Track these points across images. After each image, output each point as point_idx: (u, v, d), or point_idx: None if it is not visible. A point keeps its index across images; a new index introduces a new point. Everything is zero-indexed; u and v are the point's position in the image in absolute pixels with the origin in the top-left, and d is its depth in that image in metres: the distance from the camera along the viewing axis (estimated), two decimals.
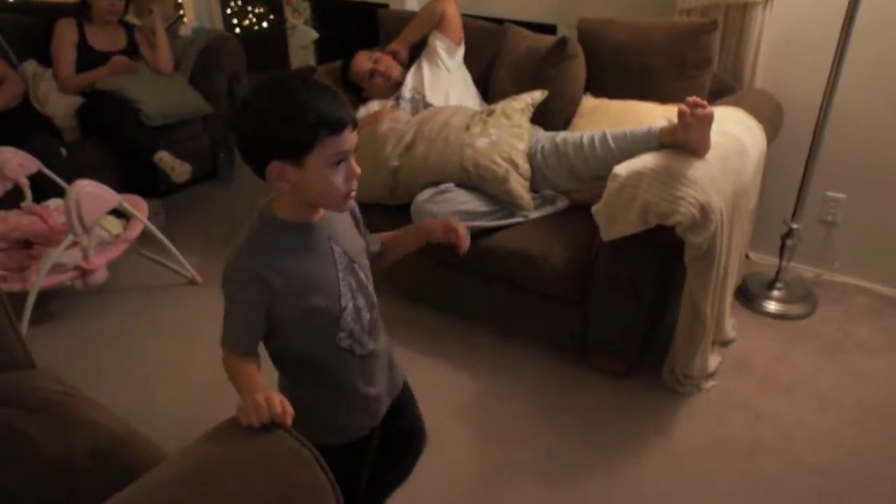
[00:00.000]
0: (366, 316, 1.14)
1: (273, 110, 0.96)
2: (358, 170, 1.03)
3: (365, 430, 1.23)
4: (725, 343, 2.11)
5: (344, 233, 1.13)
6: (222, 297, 1.03)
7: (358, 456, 1.25)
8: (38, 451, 1.22)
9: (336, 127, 0.96)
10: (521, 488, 1.66)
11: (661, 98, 2.15)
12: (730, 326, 2.11)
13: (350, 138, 0.99)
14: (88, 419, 1.32)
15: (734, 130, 1.89)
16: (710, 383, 1.95)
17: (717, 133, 1.82)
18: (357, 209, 1.21)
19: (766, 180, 2.30)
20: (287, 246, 1.05)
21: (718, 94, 2.24)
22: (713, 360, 1.97)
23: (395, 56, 2.61)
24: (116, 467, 1.23)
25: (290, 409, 0.90)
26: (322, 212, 1.08)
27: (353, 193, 1.04)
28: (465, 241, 1.30)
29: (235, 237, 1.07)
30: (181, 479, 0.83)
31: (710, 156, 1.71)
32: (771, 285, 2.35)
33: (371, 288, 1.17)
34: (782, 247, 2.29)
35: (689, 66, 2.15)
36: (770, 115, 2.15)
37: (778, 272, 2.34)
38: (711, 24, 2.12)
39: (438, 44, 2.52)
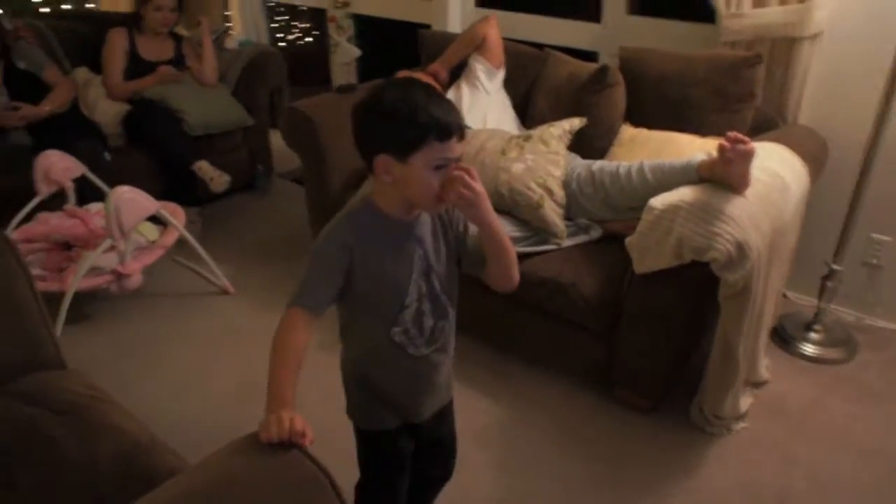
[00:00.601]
0: (428, 322, 1.18)
1: (392, 106, 1.03)
2: None
3: (394, 424, 1.27)
4: (758, 384, 2.04)
5: (432, 237, 1.17)
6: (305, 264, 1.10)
7: (385, 446, 1.30)
8: (61, 454, 1.24)
9: (444, 133, 1.02)
10: None
11: (702, 130, 2.12)
12: (764, 367, 2.05)
13: (456, 147, 1.04)
14: (113, 424, 1.33)
15: (776, 167, 1.85)
16: (740, 425, 1.89)
17: (757, 169, 1.78)
18: (461, 217, 1.18)
19: (807, 219, 2.25)
20: (377, 232, 1.12)
21: (761, 129, 2.20)
22: (745, 402, 1.92)
23: (435, 77, 2.62)
24: (138, 474, 1.24)
25: (310, 434, 0.90)
26: (416, 214, 1.13)
27: (447, 199, 1.06)
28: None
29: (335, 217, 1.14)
30: (197, 492, 0.83)
31: (749, 192, 1.68)
32: (809, 327, 2.28)
33: (445, 300, 1.20)
34: (822, 288, 2.23)
35: (731, 99, 2.12)
36: (814, 153, 2.10)
37: (817, 314, 2.28)
38: (756, 58, 2.09)
39: (478, 66, 2.53)
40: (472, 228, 1.19)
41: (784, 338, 2.27)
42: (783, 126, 2.25)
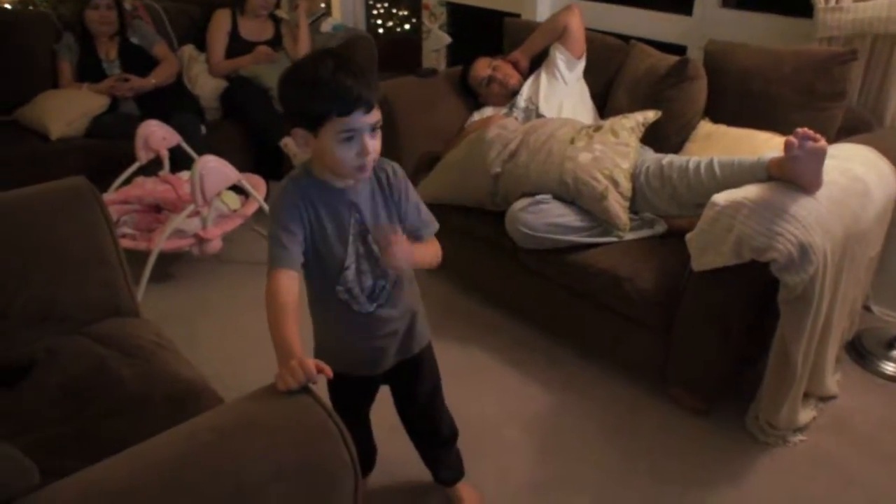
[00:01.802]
0: (367, 281, 1.25)
1: (296, 82, 1.09)
2: (371, 147, 1.10)
3: (362, 373, 1.36)
4: (825, 398, 1.94)
5: (367, 203, 1.22)
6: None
7: (353, 390, 1.40)
8: (123, 390, 1.36)
9: (344, 108, 1.05)
10: None
11: (784, 129, 2.00)
12: (833, 381, 1.94)
13: (360, 119, 1.07)
14: (171, 370, 1.45)
15: (858, 170, 1.74)
16: (797, 437, 1.81)
17: (836, 171, 1.70)
18: (404, 186, 1.26)
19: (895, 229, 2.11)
20: (315, 196, 1.18)
21: (853, 130, 2.07)
22: (805, 414, 1.83)
23: (515, 65, 2.63)
24: (186, 416, 1.34)
25: (326, 369, 0.97)
26: (349, 181, 1.19)
27: (367, 166, 1.13)
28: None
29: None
30: (216, 428, 0.90)
31: (821, 193, 1.60)
32: (891, 344, 2.14)
33: (386, 263, 1.22)
34: None
35: (818, 97, 2.01)
36: None
37: None
38: (849, 54, 1.97)
39: (559, 56, 2.52)
40: (412, 197, 1.27)
41: (861, 353, 2.14)
42: (878, 129, 2.11)
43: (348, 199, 1.20)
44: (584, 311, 2.05)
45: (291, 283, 1.13)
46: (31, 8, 3.22)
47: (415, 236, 1.29)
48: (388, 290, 1.28)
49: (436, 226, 1.34)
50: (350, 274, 1.22)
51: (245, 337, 2.24)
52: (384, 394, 1.50)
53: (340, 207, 1.20)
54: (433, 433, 1.55)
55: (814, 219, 1.53)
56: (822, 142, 1.51)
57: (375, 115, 1.10)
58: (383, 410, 1.52)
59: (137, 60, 3.08)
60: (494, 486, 1.68)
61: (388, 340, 1.34)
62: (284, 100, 1.13)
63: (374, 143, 1.12)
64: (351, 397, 1.42)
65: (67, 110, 2.83)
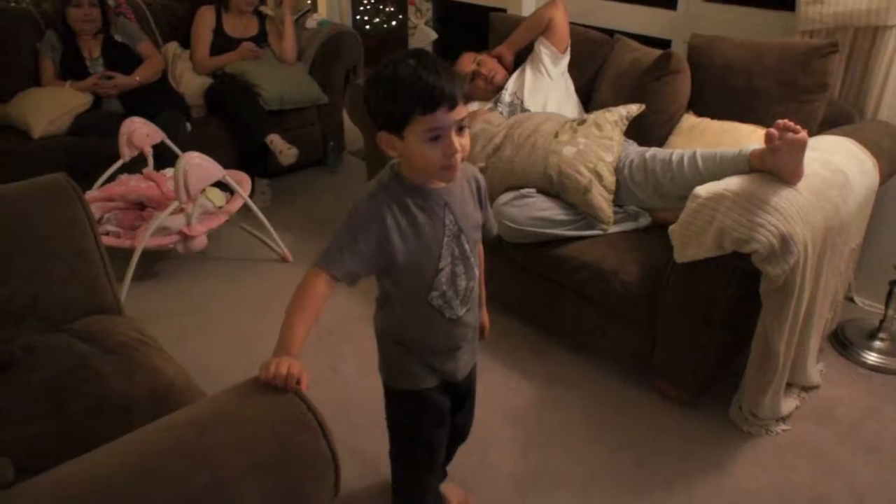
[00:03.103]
0: (461, 283, 1.22)
1: (380, 84, 1.06)
2: (458, 146, 1.06)
3: (432, 384, 1.30)
4: (808, 388, 1.96)
5: (461, 203, 1.19)
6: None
7: (424, 405, 1.31)
8: (104, 387, 1.35)
9: (428, 106, 1.02)
10: (556, 501, 1.64)
11: (767, 122, 2.01)
12: (815, 372, 1.96)
13: (445, 117, 1.03)
14: (154, 366, 1.44)
15: (839, 162, 1.76)
16: (780, 427, 1.82)
17: (817, 162, 1.71)
18: (483, 186, 1.28)
19: (880, 220, 2.13)
20: (408, 202, 1.14)
21: (834, 122, 2.09)
22: (788, 404, 1.84)
23: (500, 59, 2.63)
24: (168, 412, 1.34)
25: (304, 382, 0.96)
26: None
27: (456, 166, 1.08)
28: None
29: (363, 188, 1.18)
30: (194, 421, 0.90)
31: (802, 185, 1.61)
32: (873, 335, 2.16)
33: (474, 260, 1.24)
34: (890, 294, 2.10)
35: (800, 90, 2.02)
36: (890, 151, 1.98)
37: (882, 321, 2.15)
38: (830, 47, 1.98)
39: (543, 50, 2.52)
40: (487, 201, 1.29)
41: (844, 344, 2.15)
42: (859, 121, 2.13)
43: (442, 199, 1.16)
44: (569, 304, 2.05)
45: (327, 293, 1.10)
46: (13, 5, 3.19)
47: (485, 235, 1.31)
48: (475, 293, 1.28)
49: (497, 228, 1.38)
50: (444, 276, 1.19)
51: (230, 335, 2.24)
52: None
53: (435, 208, 1.16)
54: (464, 437, 1.54)
55: (795, 210, 1.54)
56: (803, 133, 1.52)
57: (461, 112, 1.06)
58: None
59: (121, 58, 3.06)
60: (479, 480, 1.69)
61: (469, 345, 1.33)
62: (369, 104, 1.10)
63: (461, 141, 1.07)
64: (436, 419, 1.34)
65: (50, 108, 2.81)
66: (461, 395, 1.42)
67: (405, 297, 1.22)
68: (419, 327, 1.25)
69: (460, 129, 1.07)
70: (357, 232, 1.12)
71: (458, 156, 1.07)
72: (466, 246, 1.21)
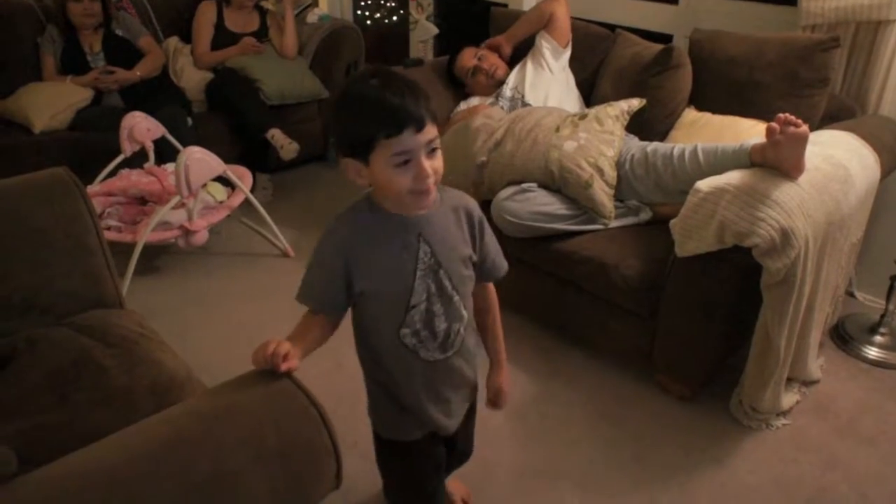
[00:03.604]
0: (440, 324, 1.11)
1: (341, 108, 0.99)
2: (430, 169, 0.98)
3: (416, 436, 1.22)
4: (808, 383, 1.96)
5: (441, 234, 1.08)
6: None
7: (413, 456, 1.24)
8: (106, 380, 1.35)
9: (392, 129, 0.94)
10: (556, 496, 1.64)
11: (768, 116, 2.01)
12: (815, 366, 1.96)
13: (412, 139, 0.95)
14: (155, 359, 1.44)
15: (840, 156, 1.76)
16: (781, 421, 1.83)
17: (818, 157, 1.71)
18: (483, 222, 1.16)
19: (881, 215, 2.13)
20: (374, 229, 1.06)
21: (836, 117, 2.09)
22: (788, 398, 1.85)
23: (498, 49, 2.63)
24: (170, 403, 1.34)
25: (293, 364, 0.96)
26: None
27: (429, 191, 1.00)
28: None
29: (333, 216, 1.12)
30: (196, 413, 0.90)
31: (803, 179, 1.61)
32: (874, 329, 2.16)
33: (458, 301, 1.12)
34: (891, 289, 2.10)
35: (801, 84, 2.02)
36: (891, 145, 1.98)
37: (883, 316, 2.15)
38: (831, 41, 1.98)
39: (544, 44, 2.52)
40: (489, 231, 1.18)
41: (844, 338, 2.16)
42: (861, 115, 2.13)
43: (417, 229, 1.06)
44: (570, 298, 2.06)
45: (319, 329, 1.09)
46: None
47: (485, 276, 1.20)
48: (462, 337, 1.16)
49: (506, 267, 1.24)
50: (417, 314, 1.08)
51: (232, 328, 2.24)
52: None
53: (408, 238, 1.06)
54: (466, 454, 1.47)
55: (796, 204, 1.54)
56: (804, 127, 1.52)
57: (430, 133, 0.97)
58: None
59: (122, 53, 3.05)
60: (480, 474, 1.69)
61: (459, 395, 1.23)
62: (331, 128, 1.05)
63: (433, 164, 0.98)
64: (430, 468, 1.27)
65: (51, 103, 2.81)
66: (455, 437, 1.30)
67: (376, 329, 1.13)
68: (394, 365, 1.15)
69: (431, 152, 0.98)
70: (325, 260, 1.08)
71: (431, 180, 0.98)
72: (447, 283, 1.09)
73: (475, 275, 1.17)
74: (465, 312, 1.14)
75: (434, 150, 0.99)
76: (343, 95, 1.00)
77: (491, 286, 1.27)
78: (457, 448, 1.37)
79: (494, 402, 1.33)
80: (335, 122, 1.02)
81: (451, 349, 1.15)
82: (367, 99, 0.95)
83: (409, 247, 1.06)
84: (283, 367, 0.95)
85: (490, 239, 1.18)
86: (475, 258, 1.15)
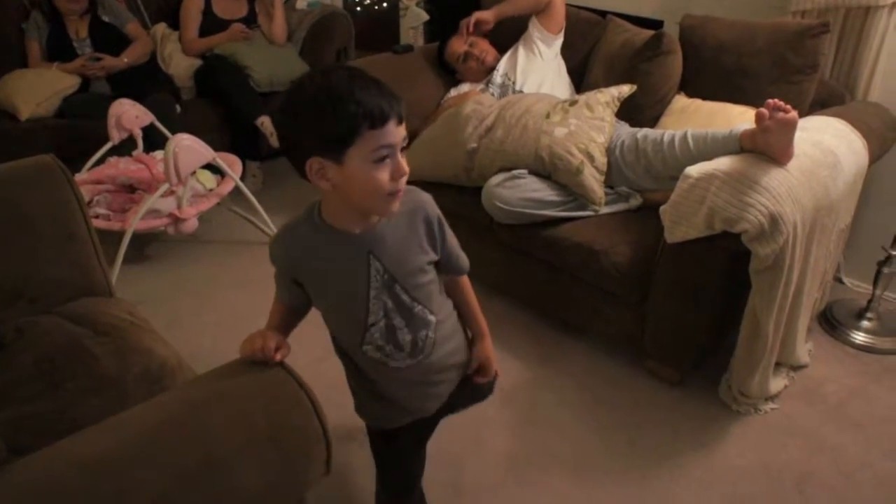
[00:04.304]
0: (403, 336, 1.08)
1: (312, 102, 0.91)
2: (405, 168, 0.95)
3: (404, 422, 1.23)
4: (797, 368, 1.98)
5: (393, 247, 1.04)
6: None
7: (390, 443, 1.26)
8: (97, 368, 1.35)
9: (378, 120, 0.90)
10: (548, 479, 1.65)
11: (758, 102, 2.01)
12: (804, 351, 1.98)
13: (395, 132, 0.92)
14: (146, 347, 1.44)
15: (829, 142, 1.76)
16: (769, 406, 1.84)
17: (807, 143, 1.71)
18: (441, 221, 1.11)
19: (869, 201, 2.14)
20: (316, 248, 1.02)
21: (825, 103, 2.10)
22: (777, 383, 1.86)
23: (481, 22, 2.58)
24: (160, 390, 1.34)
25: (284, 353, 0.98)
26: (371, 221, 1.02)
27: (400, 193, 0.97)
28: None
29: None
30: (187, 400, 0.90)
31: (792, 165, 1.61)
32: (861, 315, 2.18)
33: (421, 309, 1.09)
34: (878, 274, 2.12)
35: (791, 70, 2.03)
36: (880, 131, 1.99)
37: (870, 301, 2.17)
38: (821, 27, 1.98)
39: (535, 32, 2.50)
40: (447, 228, 1.12)
41: (832, 324, 2.17)
42: (850, 101, 2.13)
43: (366, 246, 1.01)
44: (562, 285, 2.06)
45: (281, 311, 1.13)
46: None
47: (452, 272, 1.17)
48: (433, 339, 1.12)
49: (468, 262, 1.19)
50: (377, 331, 1.06)
51: (223, 316, 2.24)
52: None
53: (356, 256, 1.01)
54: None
55: (784, 189, 1.54)
56: (793, 113, 1.52)
57: (405, 130, 0.94)
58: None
59: (109, 39, 3.02)
60: (472, 460, 1.70)
61: (438, 386, 1.20)
62: (292, 130, 0.94)
63: (406, 164, 0.96)
64: (391, 450, 1.28)
65: (37, 90, 2.78)
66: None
67: (342, 338, 1.13)
68: (368, 370, 1.15)
69: (401, 150, 0.96)
70: (277, 265, 1.10)
71: (405, 179, 0.96)
72: (405, 297, 1.06)
73: (444, 270, 1.15)
74: (431, 317, 1.10)
75: (404, 148, 0.97)
76: (306, 92, 0.92)
77: (463, 277, 1.22)
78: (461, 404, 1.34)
79: (482, 372, 1.29)
80: (302, 117, 0.92)
81: (421, 354, 1.12)
82: (343, 92, 0.89)
83: (358, 266, 1.02)
84: (277, 357, 0.97)
85: (450, 236, 1.13)
86: (436, 258, 1.11)
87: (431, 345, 1.13)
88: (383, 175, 0.93)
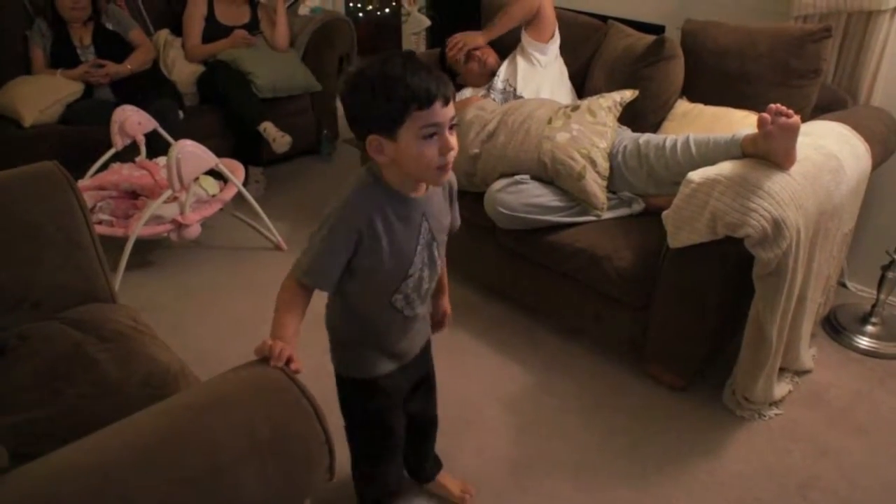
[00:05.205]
0: (426, 286, 1.24)
1: (368, 86, 1.03)
2: (453, 143, 1.07)
3: (388, 369, 1.30)
4: (801, 373, 1.98)
5: (437, 211, 1.20)
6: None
7: (380, 391, 1.31)
8: (99, 374, 1.35)
9: (424, 101, 1.01)
10: (550, 485, 1.65)
11: (760, 107, 2.00)
12: (808, 356, 1.97)
13: (441, 112, 1.03)
14: (149, 353, 1.44)
15: (832, 147, 1.76)
16: (773, 411, 1.84)
17: (810, 147, 1.71)
18: (455, 187, 1.27)
19: (873, 205, 2.14)
20: (386, 209, 1.13)
21: (828, 108, 2.09)
22: (781, 388, 1.86)
23: (479, 50, 2.59)
24: (163, 398, 1.34)
25: (297, 367, 0.99)
26: (423, 188, 1.15)
27: (449, 166, 1.08)
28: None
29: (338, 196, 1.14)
30: (190, 406, 0.90)
31: (795, 169, 1.61)
32: (865, 319, 2.17)
33: (440, 263, 1.26)
34: (882, 279, 2.11)
35: (793, 74, 2.03)
36: (882, 135, 1.99)
37: (874, 306, 2.16)
38: (823, 31, 1.98)
39: (528, 46, 2.49)
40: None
41: (836, 328, 2.17)
42: (853, 106, 2.13)
43: (421, 209, 1.16)
44: (564, 290, 2.06)
45: (308, 302, 1.15)
46: None
47: (450, 231, 1.30)
48: (433, 288, 1.30)
49: (459, 220, 1.35)
50: (412, 282, 1.20)
51: (225, 322, 2.24)
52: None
53: (414, 216, 1.16)
54: (432, 422, 1.54)
55: (787, 194, 1.54)
56: (795, 118, 1.52)
57: (452, 110, 1.06)
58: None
59: (112, 46, 3.03)
60: (474, 466, 1.70)
61: (421, 335, 1.36)
62: (353, 109, 1.07)
63: (454, 140, 1.07)
64: (394, 402, 1.35)
65: (41, 97, 2.78)
66: (417, 380, 1.41)
67: (366, 298, 1.22)
68: (375, 325, 1.25)
69: (451, 128, 1.07)
70: (335, 242, 1.12)
71: (453, 154, 1.07)
72: (436, 252, 1.22)
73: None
74: (439, 270, 1.28)
75: (453, 126, 1.07)
76: (366, 74, 1.04)
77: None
78: (418, 396, 1.43)
79: (441, 322, 1.46)
80: (360, 99, 1.05)
81: (427, 301, 1.29)
82: (398, 75, 1.01)
83: (414, 225, 1.16)
84: (294, 366, 1.00)
85: (456, 201, 1.29)
86: (450, 218, 1.28)
87: (431, 293, 1.30)
88: (432, 150, 1.05)
